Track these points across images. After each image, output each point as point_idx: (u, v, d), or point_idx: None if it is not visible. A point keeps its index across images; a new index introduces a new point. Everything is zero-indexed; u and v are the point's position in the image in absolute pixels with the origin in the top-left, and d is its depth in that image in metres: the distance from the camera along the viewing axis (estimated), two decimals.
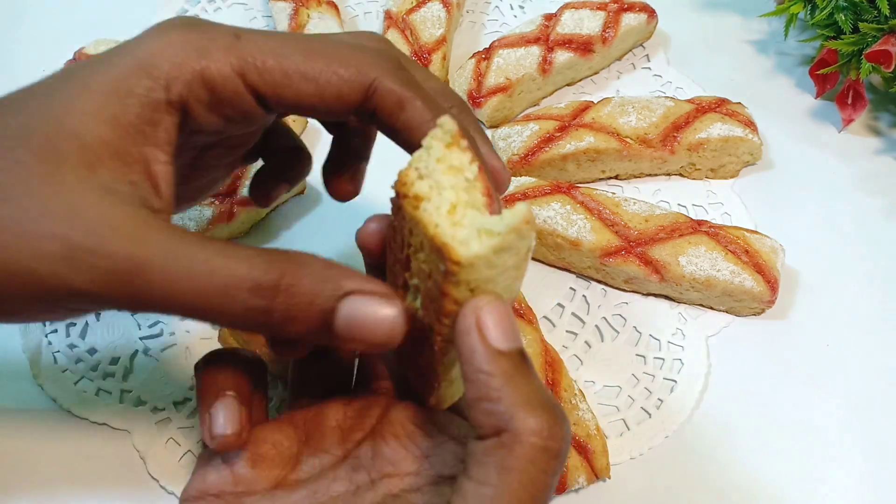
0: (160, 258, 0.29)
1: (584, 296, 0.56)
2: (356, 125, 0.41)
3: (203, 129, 0.34)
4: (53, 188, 0.29)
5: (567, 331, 0.54)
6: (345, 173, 0.43)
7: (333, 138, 0.44)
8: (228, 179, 0.44)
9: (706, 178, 0.62)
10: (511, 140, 0.60)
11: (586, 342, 0.54)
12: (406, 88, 0.34)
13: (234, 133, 0.37)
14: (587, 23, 0.66)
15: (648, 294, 0.56)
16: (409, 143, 0.35)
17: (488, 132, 0.66)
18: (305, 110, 0.34)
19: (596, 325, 0.54)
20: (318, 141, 0.66)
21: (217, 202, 0.56)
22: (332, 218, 0.60)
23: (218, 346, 0.53)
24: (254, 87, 0.33)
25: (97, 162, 0.30)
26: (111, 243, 0.29)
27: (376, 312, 0.31)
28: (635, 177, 0.62)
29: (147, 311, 0.30)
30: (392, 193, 0.33)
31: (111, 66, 0.32)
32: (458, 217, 0.30)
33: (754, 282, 0.52)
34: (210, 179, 0.42)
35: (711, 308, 0.55)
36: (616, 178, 0.62)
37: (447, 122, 0.31)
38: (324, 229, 0.60)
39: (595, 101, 0.62)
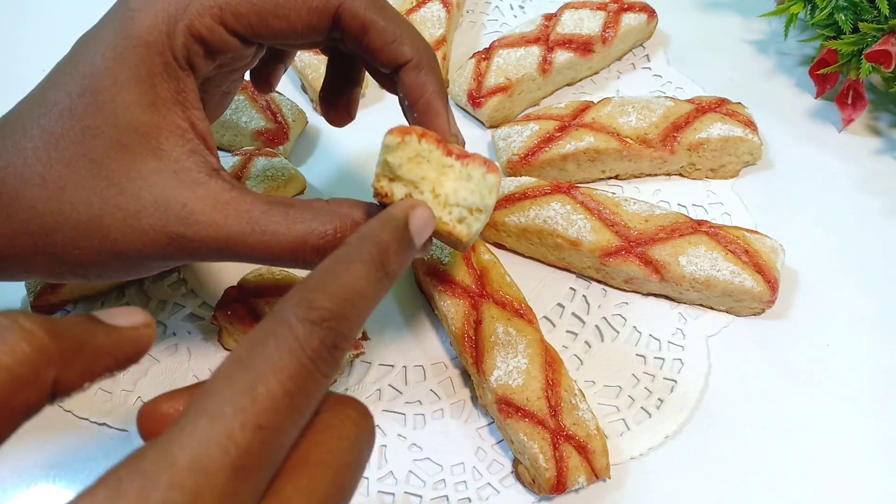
0: (240, 234, 0.37)
1: (584, 296, 0.56)
2: (346, 50, 0.44)
3: (203, 74, 0.39)
4: (138, 183, 0.36)
5: (567, 331, 0.54)
6: (340, 101, 0.48)
7: (327, 65, 0.48)
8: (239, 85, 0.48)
9: (706, 178, 0.62)
10: (511, 140, 0.60)
11: (586, 342, 0.54)
12: (369, 12, 0.39)
13: (228, 68, 0.42)
14: (587, 23, 0.66)
15: (648, 294, 0.56)
16: (377, 63, 0.40)
17: (488, 132, 0.66)
18: (281, 40, 0.39)
19: (596, 325, 0.54)
20: (317, 140, 0.66)
21: None
22: None
23: (217, 346, 0.53)
24: (234, 31, 0.38)
25: (159, 149, 0.36)
26: (202, 229, 0.36)
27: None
28: (635, 177, 0.62)
29: (238, 261, 0.38)
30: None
31: (122, 51, 0.36)
32: (443, 200, 0.38)
33: (754, 282, 0.52)
34: (219, 98, 0.46)
35: (711, 308, 0.55)
36: (616, 178, 0.62)
37: (386, 139, 0.37)
38: None
39: (595, 101, 0.62)
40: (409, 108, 0.41)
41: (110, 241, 0.36)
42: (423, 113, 0.41)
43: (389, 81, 0.43)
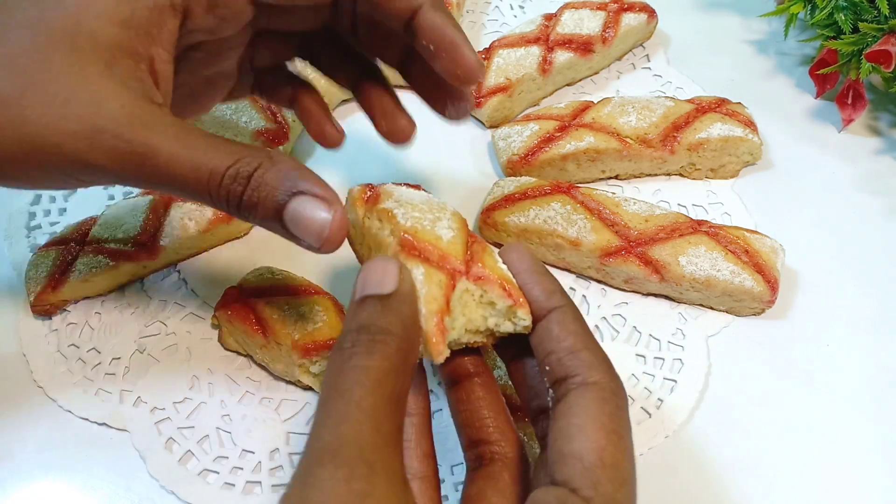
0: (167, 145, 0.34)
1: (583, 296, 0.56)
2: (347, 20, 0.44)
3: (198, 28, 0.38)
4: (77, 78, 0.34)
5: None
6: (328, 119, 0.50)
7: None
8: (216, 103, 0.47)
9: (706, 178, 0.62)
10: (511, 140, 0.60)
11: None
12: None
13: (222, 34, 0.40)
14: (587, 23, 0.66)
15: (648, 294, 0.56)
16: (390, 12, 0.40)
17: (488, 132, 0.66)
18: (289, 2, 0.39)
19: (596, 325, 0.54)
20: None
21: None
22: None
23: (217, 346, 0.53)
24: None
25: (112, 59, 0.35)
26: (130, 130, 0.34)
27: (314, 213, 0.35)
28: (635, 177, 0.62)
29: (146, 187, 0.37)
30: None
31: None
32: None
33: (754, 282, 0.52)
34: (202, 86, 0.45)
35: (711, 308, 0.55)
36: (616, 178, 0.62)
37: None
38: None
39: (595, 101, 0.62)
40: (433, 52, 0.40)
41: (26, 123, 0.34)
42: (450, 53, 0.39)
43: (391, 48, 0.43)
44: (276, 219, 0.36)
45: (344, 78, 0.50)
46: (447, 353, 0.34)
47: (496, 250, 0.39)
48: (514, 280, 0.37)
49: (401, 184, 0.44)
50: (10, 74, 0.34)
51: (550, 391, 0.34)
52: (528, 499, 0.31)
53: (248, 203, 0.36)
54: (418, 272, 0.34)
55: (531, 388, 0.38)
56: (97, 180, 0.36)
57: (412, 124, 0.48)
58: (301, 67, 0.66)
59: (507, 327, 0.36)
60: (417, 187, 0.42)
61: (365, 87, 0.49)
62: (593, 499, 0.30)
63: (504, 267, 0.37)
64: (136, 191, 0.61)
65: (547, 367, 0.34)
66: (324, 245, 0.36)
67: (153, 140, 0.34)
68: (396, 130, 0.48)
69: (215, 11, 0.38)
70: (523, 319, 0.36)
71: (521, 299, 0.36)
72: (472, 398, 0.38)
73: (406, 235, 0.36)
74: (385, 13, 0.40)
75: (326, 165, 0.64)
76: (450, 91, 0.45)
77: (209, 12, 0.38)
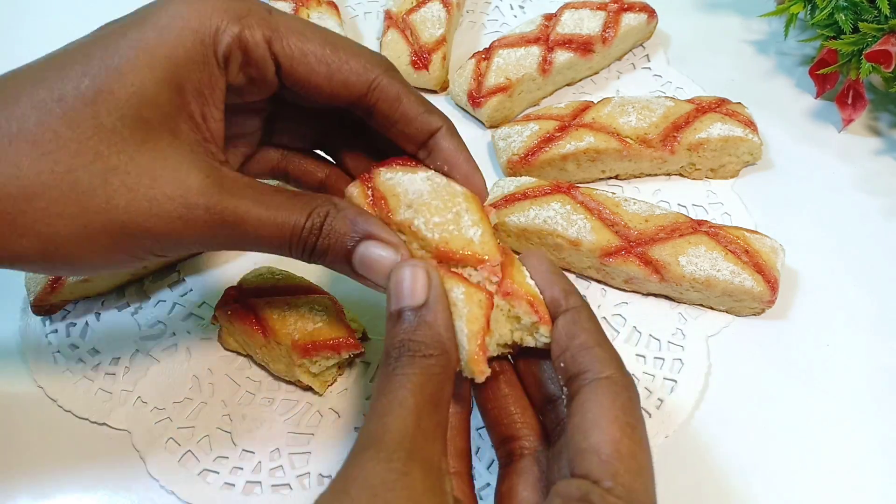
0: (253, 210, 0.36)
1: (583, 296, 0.56)
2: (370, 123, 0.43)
3: (232, 86, 0.38)
4: (153, 154, 0.34)
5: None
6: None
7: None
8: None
9: (706, 178, 0.62)
10: (511, 140, 0.60)
11: None
12: (402, 86, 0.40)
13: (250, 98, 0.40)
14: (587, 23, 0.66)
15: (648, 294, 0.56)
16: (409, 130, 0.41)
17: (488, 132, 0.66)
18: (313, 90, 0.39)
19: None
20: None
21: None
22: None
23: (217, 346, 0.53)
24: (276, 57, 0.37)
25: (177, 128, 0.35)
26: (219, 201, 0.35)
27: (380, 255, 0.38)
28: (635, 177, 0.62)
29: (230, 249, 0.38)
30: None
31: (165, 31, 0.35)
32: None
33: (754, 282, 0.52)
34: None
35: (711, 308, 0.55)
36: (616, 178, 0.62)
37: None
38: None
39: (595, 101, 0.62)
40: (446, 172, 0.42)
41: (115, 211, 0.33)
42: (463, 175, 0.42)
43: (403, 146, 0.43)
44: (345, 262, 0.39)
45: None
46: (489, 372, 0.36)
47: (519, 259, 0.40)
48: (540, 297, 0.38)
49: (390, 161, 0.43)
50: (87, 161, 0.33)
51: (565, 389, 0.36)
52: (551, 490, 0.33)
53: (320, 250, 0.39)
54: (459, 291, 0.36)
55: (539, 381, 0.39)
56: (181, 252, 0.39)
57: (485, 186, 0.46)
58: None
59: (528, 342, 0.38)
60: (407, 160, 0.43)
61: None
62: (613, 489, 0.31)
63: (532, 283, 0.38)
64: None
65: (562, 364, 0.35)
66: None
67: (241, 208, 0.36)
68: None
69: (246, 72, 0.38)
70: (544, 336, 0.37)
71: (546, 316, 0.37)
72: (498, 396, 0.39)
73: (440, 249, 0.38)
74: (401, 134, 0.41)
75: None
76: None
77: (241, 71, 0.38)
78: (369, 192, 0.42)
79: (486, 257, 0.37)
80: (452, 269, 0.37)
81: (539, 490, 0.36)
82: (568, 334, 0.36)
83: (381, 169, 0.43)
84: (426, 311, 0.35)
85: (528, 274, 0.38)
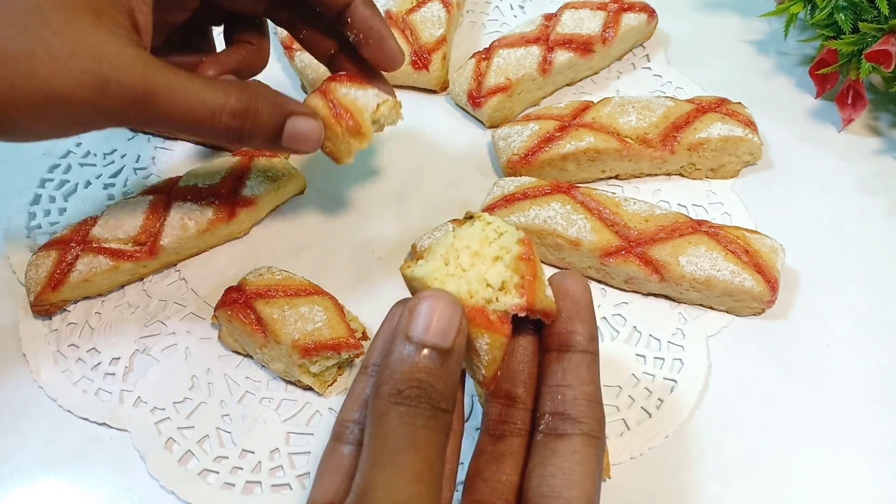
0: (166, 89, 0.39)
1: None
2: None
3: None
4: (75, 31, 0.37)
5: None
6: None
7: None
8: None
9: (706, 177, 0.62)
10: (511, 140, 0.60)
11: None
12: None
13: None
14: (587, 23, 0.66)
15: (648, 294, 0.56)
16: (328, 4, 0.48)
17: (488, 132, 0.66)
18: None
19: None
20: None
21: (217, 202, 0.56)
22: (332, 218, 0.60)
23: (217, 345, 0.53)
24: None
25: (101, 11, 0.39)
26: (131, 76, 0.38)
27: (308, 125, 0.46)
28: (635, 177, 0.62)
29: (152, 127, 0.42)
30: None
31: None
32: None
33: (754, 282, 0.52)
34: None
35: (711, 308, 0.55)
36: (616, 178, 0.62)
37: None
38: (324, 229, 0.60)
39: (595, 101, 0.62)
40: (361, 40, 0.49)
41: (38, 78, 0.37)
42: (378, 42, 0.49)
43: (315, 34, 0.51)
44: (274, 140, 0.45)
45: (320, 48, 0.54)
46: (493, 387, 0.36)
47: (557, 276, 0.38)
48: (554, 306, 0.36)
49: (340, 77, 0.50)
50: (15, 32, 0.37)
51: (548, 417, 0.35)
52: None
53: (248, 133, 0.43)
54: (483, 342, 0.34)
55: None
56: (103, 124, 0.40)
57: (401, 52, 0.51)
58: (300, 66, 0.66)
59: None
60: (354, 77, 0.50)
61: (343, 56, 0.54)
62: None
63: (550, 294, 0.36)
64: (136, 190, 0.61)
65: (559, 397, 0.35)
66: (315, 145, 0.47)
67: (154, 84, 0.39)
68: (386, 58, 0.51)
69: None
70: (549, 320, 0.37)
71: (555, 315, 0.36)
72: (519, 352, 0.38)
73: (470, 306, 0.34)
74: (321, 3, 0.47)
75: (326, 166, 0.64)
76: (375, 76, 0.53)
77: None
78: (331, 105, 0.49)
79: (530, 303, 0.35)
80: (473, 312, 0.34)
81: (516, 482, 0.36)
82: (581, 378, 0.35)
83: (335, 84, 0.50)
84: (451, 360, 0.32)
85: (548, 287, 0.36)
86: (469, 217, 0.37)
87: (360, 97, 0.49)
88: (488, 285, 0.34)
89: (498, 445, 0.36)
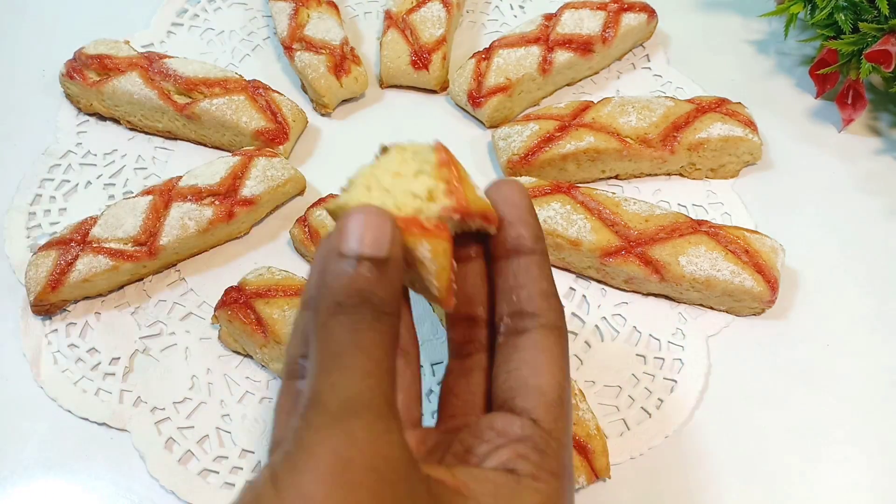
0: None
1: (583, 296, 0.56)
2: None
3: None
4: None
5: (567, 330, 0.54)
6: None
7: None
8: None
9: (706, 178, 0.62)
10: (511, 140, 0.60)
11: (586, 342, 0.54)
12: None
13: None
14: (587, 23, 0.66)
15: (648, 294, 0.56)
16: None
17: (488, 132, 0.66)
18: None
19: (596, 325, 0.54)
20: (317, 141, 0.66)
21: (217, 202, 0.56)
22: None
23: (217, 345, 0.53)
24: None
25: None
26: None
27: None
28: (635, 177, 0.62)
29: None
30: None
31: None
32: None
33: (754, 282, 0.52)
34: None
35: (711, 308, 0.55)
36: (616, 178, 0.62)
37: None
38: None
39: (595, 101, 0.62)
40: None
41: None
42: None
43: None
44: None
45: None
46: (454, 302, 0.35)
47: (493, 185, 0.37)
48: (491, 208, 0.36)
49: (318, 201, 0.49)
50: None
51: (507, 319, 0.35)
52: (483, 420, 0.33)
53: None
54: (425, 249, 0.34)
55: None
56: None
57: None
58: (300, 66, 0.66)
59: (477, 228, 0.36)
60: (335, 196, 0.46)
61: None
62: (553, 431, 0.32)
63: (482, 195, 0.36)
64: (136, 190, 0.61)
65: (514, 298, 0.35)
66: None
67: None
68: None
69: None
70: (492, 230, 0.36)
71: (496, 218, 0.36)
72: (470, 273, 0.37)
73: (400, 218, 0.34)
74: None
75: (327, 166, 0.64)
76: None
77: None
78: (306, 229, 0.51)
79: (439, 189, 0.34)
80: (406, 221, 0.34)
81: (485, 388, 0.36)
82: (532, 276, 0.36)
83: (313, 209, 0.51)
84: (390, 268, 0.31)
85: (475, 184, 0.36)
86: (385, 149, 0.37)
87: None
88: (415, 197, 0.34)
89: (465, 362, 0.37)
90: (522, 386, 0.33)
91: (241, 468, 0.48)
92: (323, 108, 0.67)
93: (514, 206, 0.36)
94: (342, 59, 0.65)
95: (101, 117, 0.66)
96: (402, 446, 0.28)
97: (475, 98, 0.64)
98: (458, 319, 0.37)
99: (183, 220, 0.55)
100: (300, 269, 0.56)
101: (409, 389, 0.36)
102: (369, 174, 0.35)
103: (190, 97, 0.63)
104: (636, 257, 0.53)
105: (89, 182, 0.62)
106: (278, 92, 0.64)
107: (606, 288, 0.56)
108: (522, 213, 0.36)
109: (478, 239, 0.37)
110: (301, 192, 0.62)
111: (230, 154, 0.60)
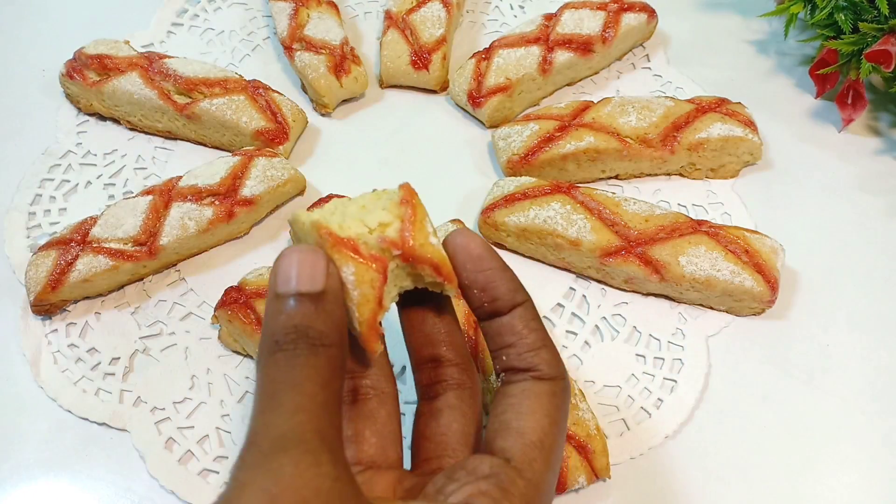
0: None
1: (583, 296, 0.56)
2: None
3: None
4: None
5: (567, 330, 0.54)
6: None
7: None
8: None
9: (706, 177, 0.62)
10: (511, 140, 0.60)
11: (586, 342, 0.54)
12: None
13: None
14: (587, 23, 0.66)
15: (648, 294, 0.56)
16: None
17: (488, 132, 0.66)
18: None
19: (596, 325, 0.54)
20: (317, 140, 0.66)
21: (217, 202, 0.56)
22: None
23: (217, 345, 0.53)
24: None
25: None
26: None
27: None
28: (635, 177, 0.62)
29: None
30: None
31: None
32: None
33: (754, 282, 0.52)
34: None
35: (711, 308, 0.55)
36: (616, 178, 0.62)
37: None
38: None
39: (595, 101, 0.62)
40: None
41: None
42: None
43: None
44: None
45: None
46: (381, 348, 0.35)
47: (430, 222, 0.36)
48: (445, 258, 0.35)
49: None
50: None
51: (502, 375, 0.36)
52: (459, 462, 0.33)
53: None
54: (349, 272, 0.33)
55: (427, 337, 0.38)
56: None
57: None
58: (300, 66, 0.66)
59: (433, 288, 0.36)
60: (324, 199, 0.49)
61: None
62: (524, 472, 0.32)
63: (435, 242, 0.35)
64: (136, 190, 0.61)
65: (504, 358, 0.36)
66: None
67: None
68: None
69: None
70: (451, 291, 0.36)
71: (451, 275, 0.35)
72: (426, 319, 0.38)
73: (331, 232, 0.34)
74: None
75: (327, 166, 0.64)
76: None
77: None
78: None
79: (377, 223, 0.35)
80: (341, 240, 0.34)
81: (458, 427, 0.36)
82: (517, 332, 0.35)
83: (313, 209, 0.48)
84: (327, 300, 0.32)
85: (431, 231, 0.35)
86: (374, 190, 0.37)
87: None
88: (364, 225, 0.34)
89: (434, 404, 0.37)
90: (502, 428, 0.33)
91: None
92: (323, 108, 0.67)
93: (476, 261, 0.36)
94: (342, 59, 0.65)
95: (101, 117, 0.66)
96: (336, 478, 0.28)
97: (475, 98, 0.64)
98: (423, 362, 0.37)
99: (183, 220, 0.55)
100: None
101: (384, 429, 0.36)
102: (344, 202, 0.35)
103: (190, 97, 0.63)
104: (636, 257, 0.53)
105: (89, 182, 0.62)
106: (278, 92, 0.64)
107: (606, 288, 0.56)
108: (489, 271, 0.36)
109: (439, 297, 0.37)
110: (301, 192, 0.62)
111: (230, 154, 0.60)
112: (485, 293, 0.36)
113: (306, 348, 0.31)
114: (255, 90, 0.63)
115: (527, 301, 0.36)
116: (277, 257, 0.32)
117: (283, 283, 0.32)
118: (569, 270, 0.57)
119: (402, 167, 0.64)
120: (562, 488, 0.45)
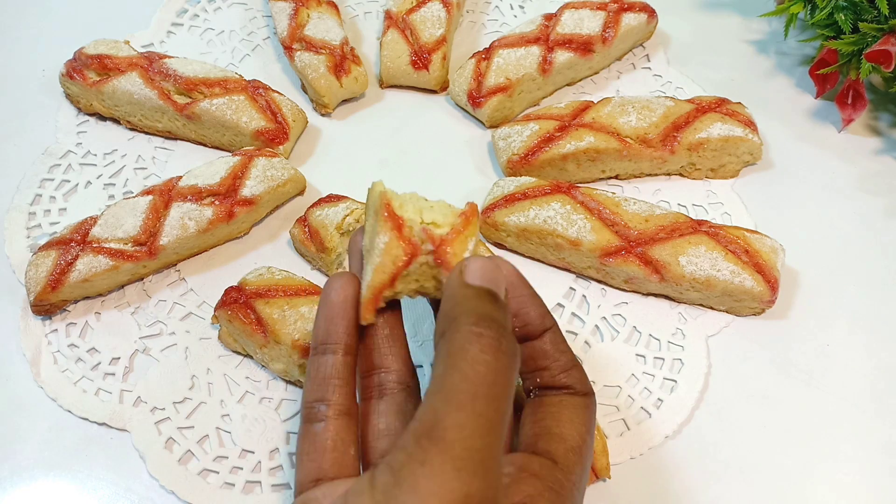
0: None
1: (583, 296, 0.56)
2: None
3: None
4: None
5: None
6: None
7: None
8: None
9: (706, 177, 0.62)
10: (511, 140, 0.60)
11: (586, 342, 0.54)
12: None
13: None
14: (587, 23, 0.66)
15: (648, 294, 0.56)
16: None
17: (488, 132, 0.66)
18: None
19: (596, 325, 0.54)
20: (317, 140, 0.66)
21: (217, 202, 0.56)
22: None
23: (217, 345, 0.53)
24: None
25: None
26: None
27: None
28: (635, 177, 0.62)
29: None
30: None
31: None
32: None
33: (754, 282, 0.52)
34: None
35: (711, 308, 0.55)
36: (616, 178, 0.62)
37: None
38: None
39: (595, 101, 0.62)
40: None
41: None
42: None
43: None
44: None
45: None
46: (372, 320, 0.37)
47: (475, 243, 0.38)
48: None
49: (318, 201, 0.53)
50: None
51: (535, 391, 0.38)
52: (507, 458, 0.35)
53: None
54: (381, 241, 0.36)
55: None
56: None
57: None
58: (300, 66, 0.66)
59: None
60: (331, 197, 0.53)
61: None
62: (570, 475, 0.35)
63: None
64: (136, 190, 0.61)
65: (538, 379, 0.38)
66: None
67: None
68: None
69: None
70: None
71: None
72: (376, 333, 0.39)
73: (387, 202, 0.37)
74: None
75: (327, 166, 0.64)
76: None
77: None
78: (306, 229, 0.54)
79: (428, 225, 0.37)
80: (392, 213, 0.37)
81: (401, 421, 0.38)
82: (550, 356, 0.38)
83: (313, 209, 0.54)
84: (506, 307, 0.34)
85: (471, 249, 0.37)
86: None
87: (330, 214, 0.54)
88: (420, 218, 0.37)
89: (379, 405, 0.38)
90: (546, 433, 0.36)
91: (241, 468, 0.48)
92: (323, 108, 0.67)
93: (509, 287, 0.38)
94: (342, 59, 0.65)
95: (101, 117, 0.66)
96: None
97: (475, 98, 0.64)
98: (370, 370, 0.39)
99: (183, 220, 0.55)
100: (300, 269, 0.56)
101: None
102: (420, 196, 0.38)
103: (190, 97, 0.63)
104: (636, 257, 0.53)
105: (89, 182, 0.62)
106: (278, 92, 0.64)
107: (606, 288, 0.56)
108: (521, 297, 0.38)
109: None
110: (301, 192, 0.62)
111: (230, 154, 0.60)
112: (517, 318, 0.38)
113: (495, 333, 0.32)
114: (255, 90, 0.63)
115: (554, 325, 0.39)
116: (462, 261, 0.35)
117: (474, 276, 0.34)
118: (569, 270, 0.57)
119: (402, 167, 0.64)
120: None
